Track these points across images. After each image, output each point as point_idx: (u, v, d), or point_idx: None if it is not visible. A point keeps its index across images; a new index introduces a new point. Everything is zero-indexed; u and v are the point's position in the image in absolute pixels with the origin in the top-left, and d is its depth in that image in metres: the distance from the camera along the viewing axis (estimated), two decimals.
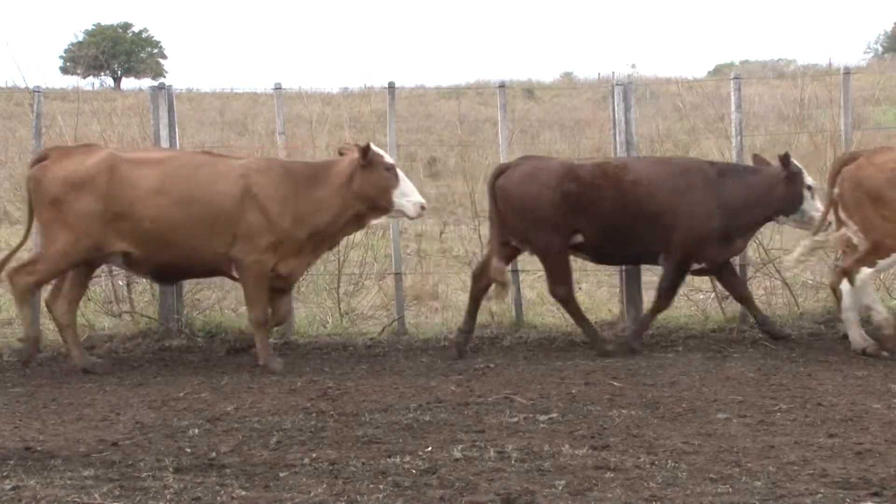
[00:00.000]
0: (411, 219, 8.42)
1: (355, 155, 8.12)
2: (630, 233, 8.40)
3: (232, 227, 7.92)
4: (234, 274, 8.15)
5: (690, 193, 8.37)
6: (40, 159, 8.15)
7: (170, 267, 8.12)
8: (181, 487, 5.08)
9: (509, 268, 8.79)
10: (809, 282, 9.93)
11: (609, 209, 8.35)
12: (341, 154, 8.37)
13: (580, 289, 11.21)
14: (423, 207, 8.20)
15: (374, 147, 8.14)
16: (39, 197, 8.02)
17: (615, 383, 7.31)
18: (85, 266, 8.21)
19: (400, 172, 8.21)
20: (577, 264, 12.08)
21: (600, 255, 8.74)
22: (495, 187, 8.53)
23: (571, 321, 9.42)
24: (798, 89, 11.79)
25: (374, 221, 8.51)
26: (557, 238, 8.41)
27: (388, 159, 8.21)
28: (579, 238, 8.46)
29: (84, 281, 8.36)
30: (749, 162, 9.05)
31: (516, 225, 8.49)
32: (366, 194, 8.10)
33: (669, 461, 5.37)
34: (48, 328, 9.38)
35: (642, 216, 8.35)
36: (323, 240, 8.24)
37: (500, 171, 8.62)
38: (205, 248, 7.95)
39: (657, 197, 8.36)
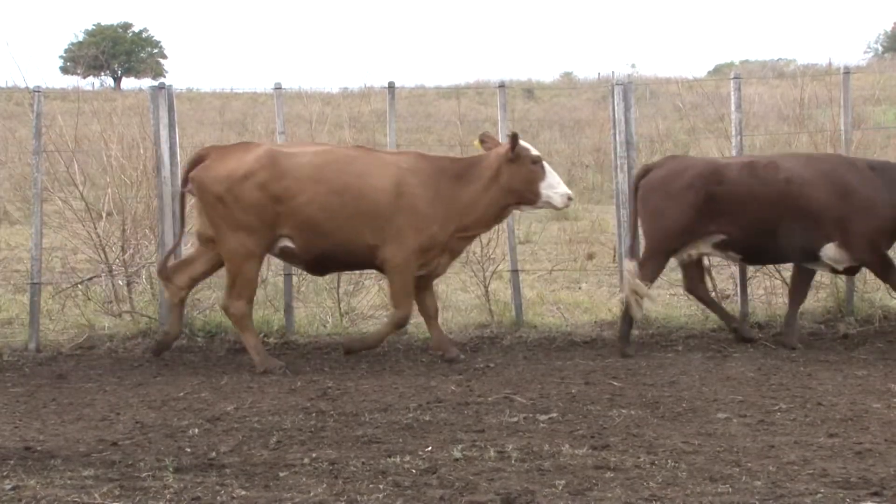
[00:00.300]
0: (558, 209, 8.53)
1: (502, 149, 8.19)
2: (784, 232, 8.30)
3: (383, 224, 8.00)
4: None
5: (852, 190, 8.27)
6: (199, 160, 8.21)
7: (325, 257, 8.18)
8: (181, 487, 5.08)
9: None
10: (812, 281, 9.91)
11: (760, 209, 8.27)
12: (482, 143, 8.46)
13: (580, 288, 11.23)
14: (569, 198, 8.29)
15: (521, 140, 8.22)
16: (205, 195, 8.07)
17: (615, 383, 7.31)
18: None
19: (546, 164, 8.28)
20: (577, 263, 12.12)
21: (752, 255, 8.63)
22: (639, 187, 8.58)
23: (572, 321, 9.44)
24: (798, 89, 11.78)
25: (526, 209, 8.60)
26: (683, 237, 8.40)
27: (535, 152, 8.27)
28: (720, 237, 8.42)
29: (212, 264, 8.39)
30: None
31: (653, 221, 8.49)
32: (514, 188, 8.18)
33: (669, 461, 5.38)
34: (48, 328, 9.39)
35: (798, 215, 8.25)
36: (470, 233, 8.35)
37: (646, 171, 8.67)
38: (357, 239, 8.03)
39: (813, 195, 8.26)
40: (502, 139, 9.75)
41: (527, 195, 8.20)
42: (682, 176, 8.44)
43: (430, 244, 8.09)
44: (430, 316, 8.43)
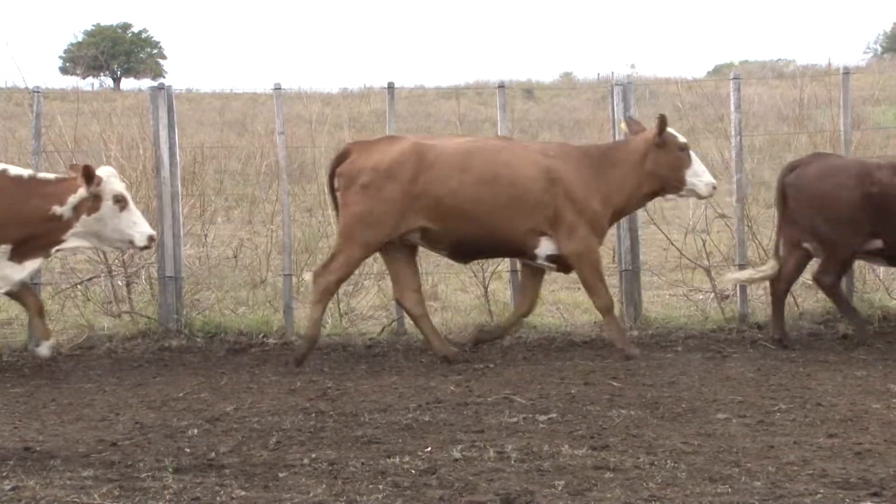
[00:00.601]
0: (702, 198, 8.60)
1: (649, 134, 8.24)
2: None
3: (538, 213, 8.08)
4: (536, 254, 8.25)
5: None
6: (344, 155, 8.28)
7: (469, 243, 8.24)
8: (180, 488, 5.08)
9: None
10: (809, 282, 9.92)
11: None
12: (627, 125, 8.53)
13: (580, 289, 11.21)
14: (714, 187, 8.34)
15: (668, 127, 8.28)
16: (349, 187, 8.13)
17: (614, 383, 7.31)
18: (406, 250, 8.37)
19: (692, 153, 8.32)
20: None
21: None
22: (786, 184, 8.53)
23: (571, 321, 9.43)
24: (797, 89, 11.81)
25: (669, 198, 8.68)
26: (855, 237, 8.31)
27: (682, 139, 8.32)
28: (878, 244, 8.36)
29: (414, 267, 8.52)
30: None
31: (809, 222, 8.43)
32: (659, 174, 8.24)
33: (669, 461, 5.38)
34: (56, 329, 9.37)
35: None
36: (614, 220, 8.44)
37: (792, 168, 8.63)
38: (505, 227, 8.09)
39: None
40: None
41: (672, 182, 8.26)
42: (836, 175, 8.37)
43: (596, 222, 8.18)
44: (524, 313, 8.55)
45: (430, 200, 8.04)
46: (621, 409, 6.55)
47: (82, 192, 7.63)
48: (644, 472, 5.22)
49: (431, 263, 11.67)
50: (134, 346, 8.87)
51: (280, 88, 9.68)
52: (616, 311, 9.43)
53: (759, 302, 9.58)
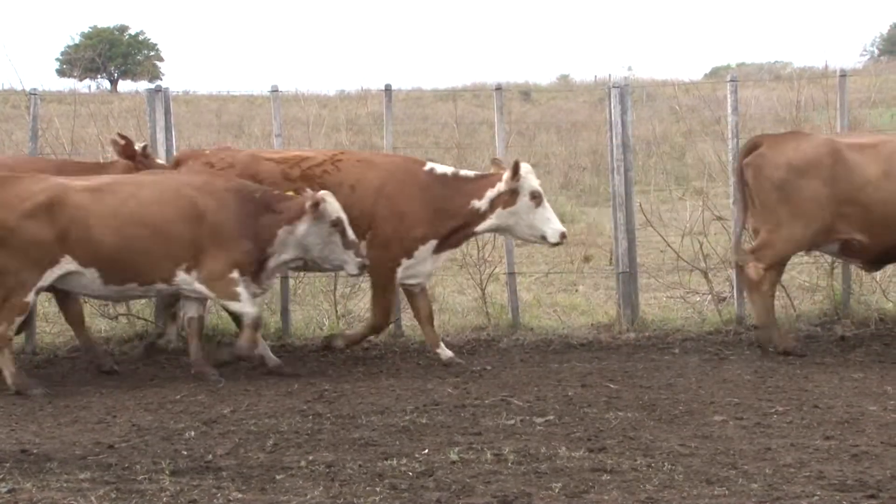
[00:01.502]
0: None
1: None
2: None
3: None
4: None
5: None
6: (753, 148, 8.27)
7: (892, 251, 8.19)
8: (177, 490, 5.08)
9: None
10: (806, 284, 9.94)
11: None
12: None
13: (577, 291, 11.23)
14: None
15: None
16: (762, 183, 8.12)
17: (612, 386, 7.31)
18: None
19: None
20: (574, 265, 12.11)
21: None
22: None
23: (569, 324, 9.44)
24: (794, 91, 11.77)
25: None
26: None
27: None
28: None
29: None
30: None
31: None
32: None
33: (666, 463, 5.38)
34: (45, 331, 9.36)
35: None
36: None
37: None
38: None
39: None
40: (499, 142, 9.76)
41: None
42: None
43: None
44: None
45: (857, 208, 8.00)
46: (618, 411, 6.55)
47: (500, 186, 7.98)
48: (641, 474, 5.23)
49: None
50: (131, 349, 8.86)
51: (277, 91, 9.68)
52: (613, 314, 9.48)
53: None
